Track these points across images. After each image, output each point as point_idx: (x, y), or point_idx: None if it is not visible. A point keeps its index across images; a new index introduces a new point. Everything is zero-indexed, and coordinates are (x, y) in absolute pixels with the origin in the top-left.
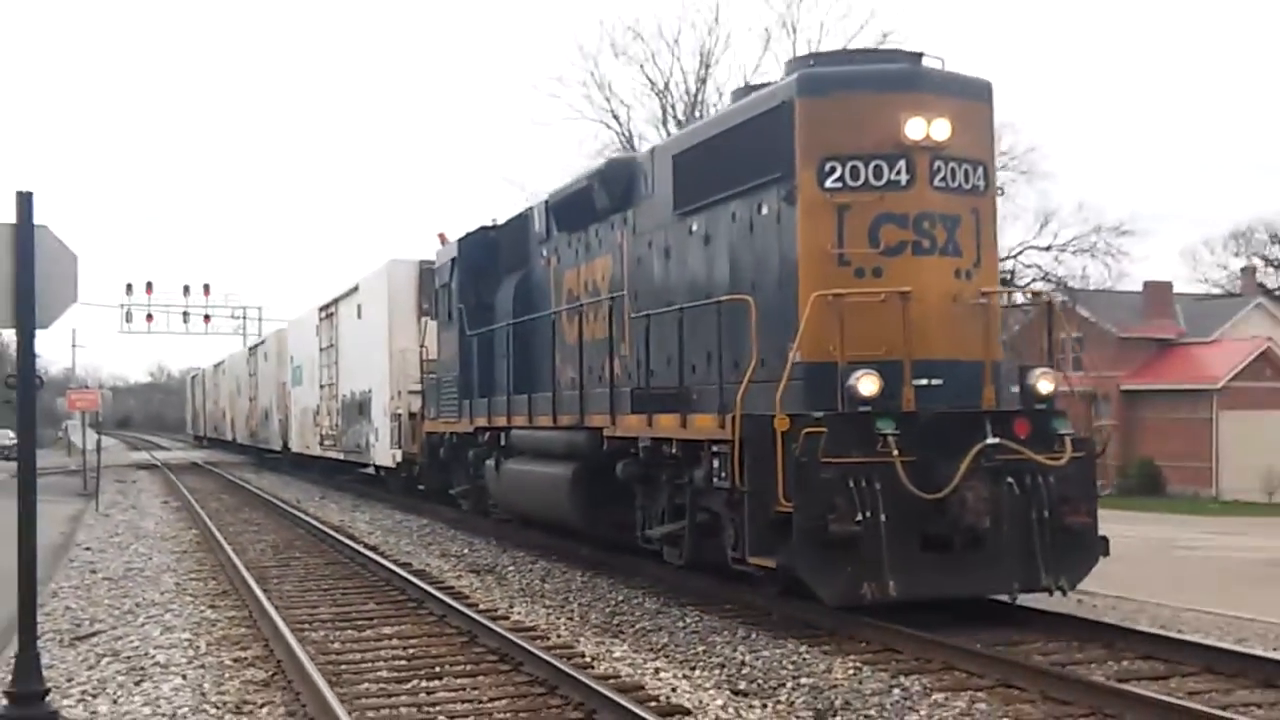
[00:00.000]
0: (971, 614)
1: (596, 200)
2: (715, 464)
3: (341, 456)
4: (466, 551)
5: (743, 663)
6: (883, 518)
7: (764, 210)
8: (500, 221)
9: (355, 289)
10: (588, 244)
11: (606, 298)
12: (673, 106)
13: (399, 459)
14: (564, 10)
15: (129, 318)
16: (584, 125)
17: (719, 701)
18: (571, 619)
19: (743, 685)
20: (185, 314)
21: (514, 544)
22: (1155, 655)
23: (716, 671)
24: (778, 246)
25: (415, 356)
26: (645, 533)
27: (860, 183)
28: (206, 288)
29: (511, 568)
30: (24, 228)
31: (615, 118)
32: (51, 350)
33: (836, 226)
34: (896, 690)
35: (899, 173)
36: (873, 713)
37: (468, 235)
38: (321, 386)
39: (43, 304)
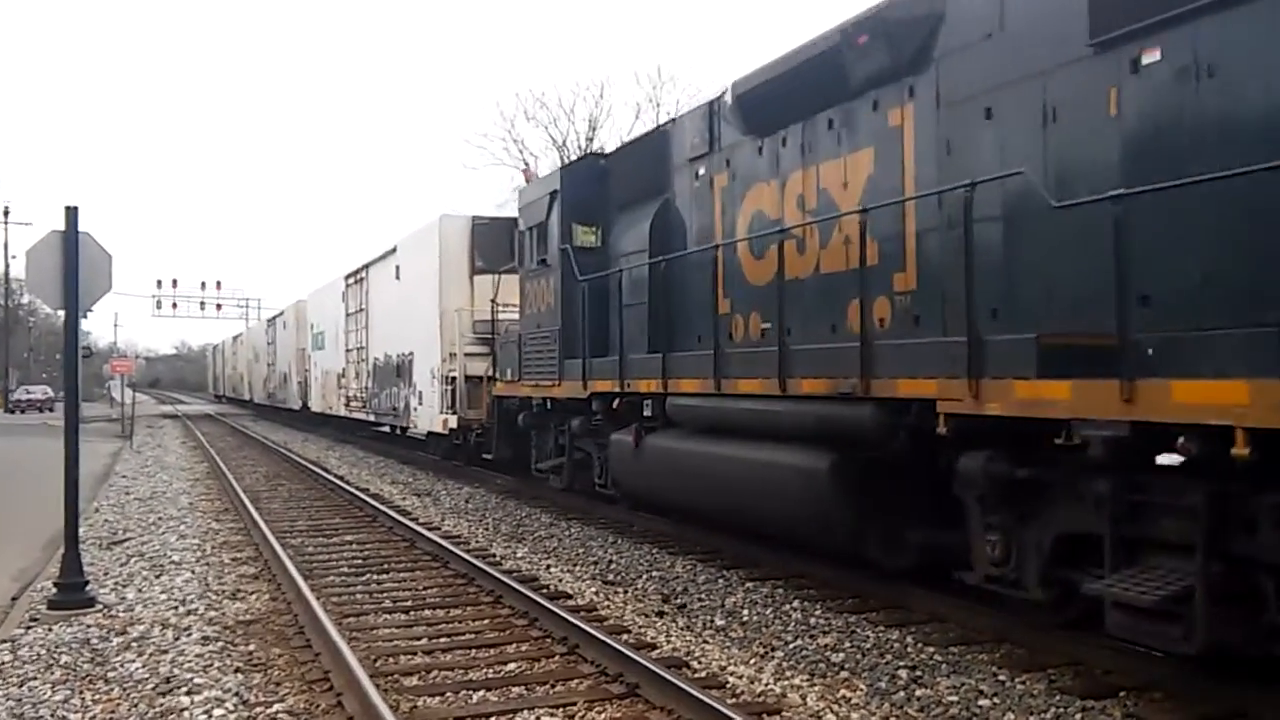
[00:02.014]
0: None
1: (852, 69)
2: None
3: (372, 419)
4: (411, 480)
5: (610, 561)
6: None
7: None
8: (608, 150)
9: (391, 251)
10: (810, 142)
11: (872, 207)
12: (568, 159)
13: (452, 424)
14: (489, 80)
15: (159, 305)
16: (503, 171)
17: (593, 589)
18: (487, 529)
19: (610, 577)
20: (202, 303)
21: (445, 475)
22: None
23: (592, 567)
24: None
25: (469, 316)
26: (1091, 579)
27: None
28: (219, 283)
29: (444, 493)
30: (70, 234)
31: (526, 165)
32: (99, 328)
33: None
34: (721, 580)
35: None
36: (704, 595)
37: (572, 165)
38: (348, 350)
39: (85, 292)
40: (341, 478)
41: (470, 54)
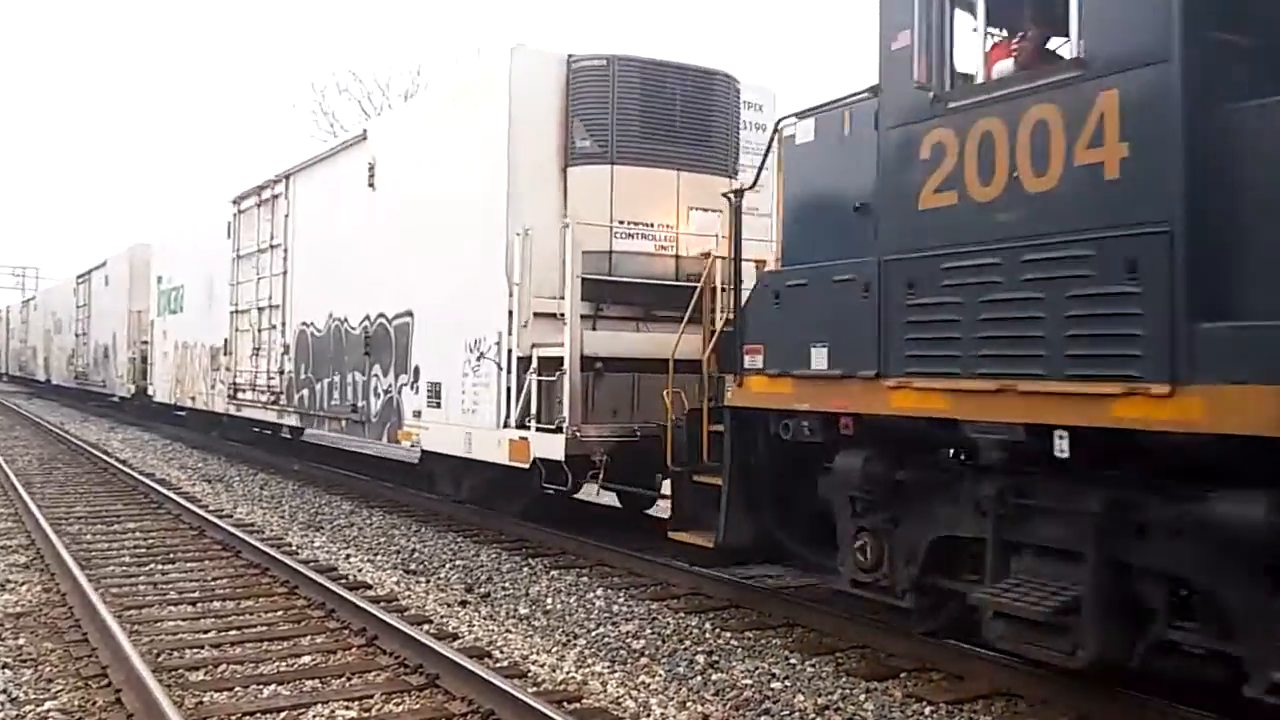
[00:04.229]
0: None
1: None
2: None
3: (294, 423)
4: (201, 465)
5: (414, 550)
6: None
7: None
8: None
9: (357, 140)
10: None
11: None
12: None
13: (544, 452)
14: (298, 50)
15: None
16: (314, 144)
17: (394, 579)
18: (283, 518)
19: (413, 566)
20: None
21: (238, 460)
22: None
23: (394, 556)
24: None
25: (565, 238)
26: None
27: None
28: None
29: (237, 478)
30: None
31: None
32: None
33: None
34: (526, 569)
35: None
36: (508, 585)
37: None
38: (237, 312)
39: None
40: (124, 462)
41: (277, 22)
